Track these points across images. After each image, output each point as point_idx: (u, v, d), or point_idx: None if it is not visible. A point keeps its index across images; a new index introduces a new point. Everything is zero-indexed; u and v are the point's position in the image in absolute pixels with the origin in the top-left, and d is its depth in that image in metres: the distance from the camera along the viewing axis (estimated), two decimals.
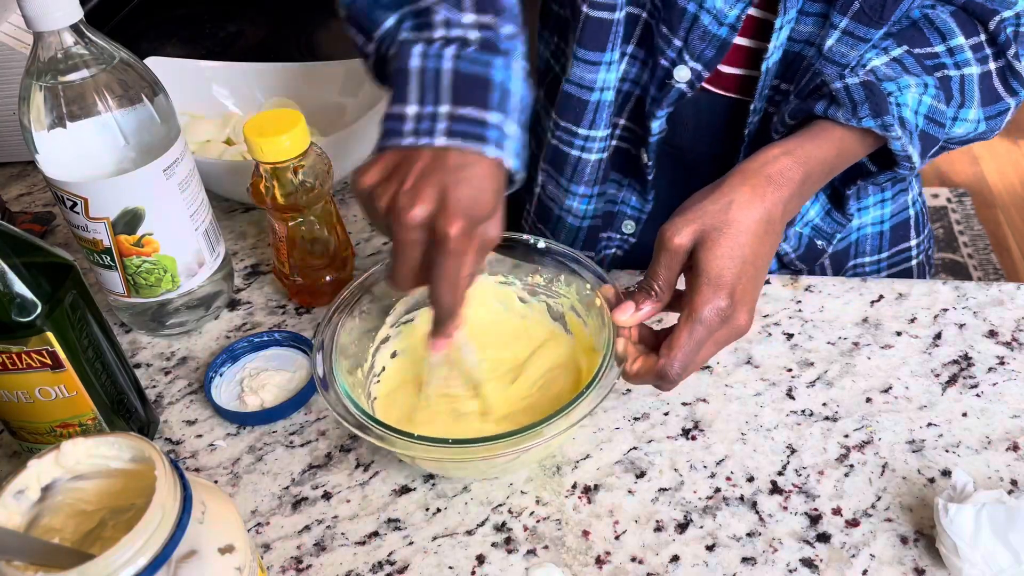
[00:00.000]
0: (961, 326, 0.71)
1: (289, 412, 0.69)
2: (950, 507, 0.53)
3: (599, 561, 0.57)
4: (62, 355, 0.57)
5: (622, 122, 0.76)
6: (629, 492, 0.61)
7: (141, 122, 0.66)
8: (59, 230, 0.92)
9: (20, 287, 0.55)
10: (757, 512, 0.60)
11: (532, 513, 0.60)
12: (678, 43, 0.67)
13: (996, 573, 0.52)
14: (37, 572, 0.40)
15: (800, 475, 0.61)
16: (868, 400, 0.66)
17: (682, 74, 0.68)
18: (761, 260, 0.57)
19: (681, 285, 0.59)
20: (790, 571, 0.56)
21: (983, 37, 0.65)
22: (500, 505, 0.61)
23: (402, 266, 0.54)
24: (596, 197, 0.79)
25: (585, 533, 0.59)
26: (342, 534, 0.60)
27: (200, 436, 0.68)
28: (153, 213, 0.69)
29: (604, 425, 0.66)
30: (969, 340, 0.70)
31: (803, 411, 0.66)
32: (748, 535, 0.58)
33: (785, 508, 0.60)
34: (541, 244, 0.66)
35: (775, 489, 0.61)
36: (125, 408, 0.64)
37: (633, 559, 0.57)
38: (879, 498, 0.60)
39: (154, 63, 0.93)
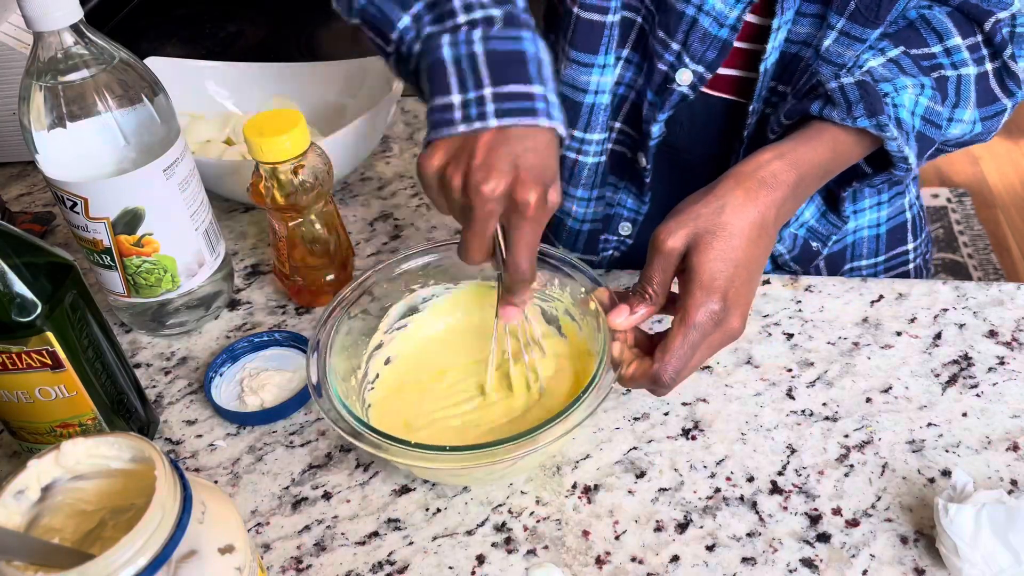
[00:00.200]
0: (961, 326, 0.71)
1: (289, 412, 0.69)
2: (950, 507, 0.53)
3: (599, 561, 0.57)
4: (62, 355, 0.57)
5: (618, 125, 0.76)
6: (629, 492, 0.61)
7: (141, 122, 0.66)
8: (59, 230, 0.92)
9: (20, 287, 0.55)
10: (757, 512, 0.60)
11: (532, 513, 0.60)
12: (676, 46, 0.67)
13: (996, 573, 0.52)
14: (37, 572, 0.40)
15: (800, 475, 0.61)
16: (868, 400, 0.66)
17: (684, 77, 0.68)
18: (755, 263, 0.57)
19: (676, 288, 0.59)
20: (790, 571, 0.56)
21: (979, 38, 0.65)
22: (500, 505, 0.61)
23: (478, 238, 0.56)
24: (595, 200, 0.79)
25: (585, 533, 0.59)
26: (342, 534, 0.60)
27: (200, 436, 0.68)
28: (153, 213, 0.69)
29: (604, 425, 0.66)
30: (969, 340, 0.70)
31: (803, 411, 0.66)
32: (748, 535, 0.58)
33: (785, 508, 0.60)
34: None
35: (775, 489, 0.61)
36: (125, 408, 0.64)
37: (633, 559, 0.57)
38: (879, 498, 0.60)
39: (154, 63, 0.93)
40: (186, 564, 0.42)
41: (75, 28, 0.62)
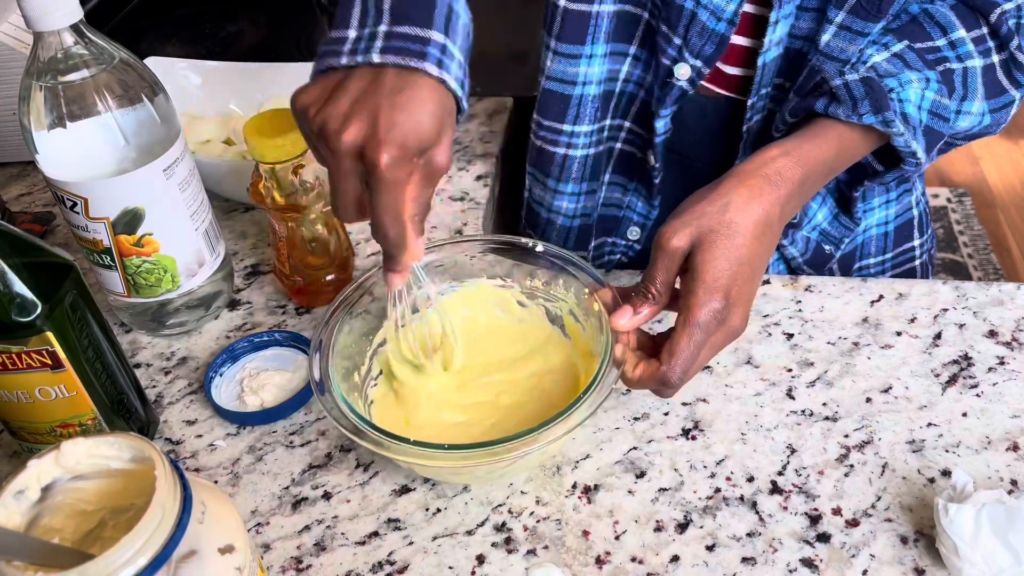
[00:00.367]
0: (961, 326, 0.71)
1: (289, 412, 0.69)
2: (950, 507, 0.53)
3: (599, 561, 0.57)
4: (62, 355, 0.57)
5: (627, 124, 0.75)
6: (629, 492, 0.61)
7: (141, 122, 0.66)
8: (59, 230, 0.92)
9: (20, 287, 0.55)
10: (757, 512, 0.59)
11: (532, 513, 0.60)
12: (678, 41, 0.67)
13: (996, 573, 0.52)
14: (37, 572, 0.40)
15: (800, 475, 0.61)
16: (868, 400, 0.66)
17: (682, 72, 0.68)
18: (758, 261, 0.57)
19: (678, 285, 0.59)
20: (790, 571, 0.56)
21: (985, 30, 0.64)
22: (500, 505, 0.61)
23: (341, 196, 0.52)
24: (585, 195, 0.78)
25: (585, 533, 0.59)
26: (342, 534, 0.60)
27: (200, 436, 0.68)
28: (153, 213, 0.69)
29: (604, 425, 0.66)
30: (969, 340, 0.70)
31: (803, 411, 0.66)
32: (748, 535, 0.58)
33: (785, 508, 0.60)
34: (539, 247, 0.66)
35: (775, 489, 0.61)
36: (125, 408, 0.64)
37: (633, 559, 0.57)
38: (879, 498, 0.60)
39: (154, 63, 0.93)
40: (186, 564, 0.42)
41: (75, 28, 0.62)
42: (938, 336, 0.71)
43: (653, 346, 0.59)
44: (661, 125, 0.71)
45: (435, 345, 0.65)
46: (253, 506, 0.62)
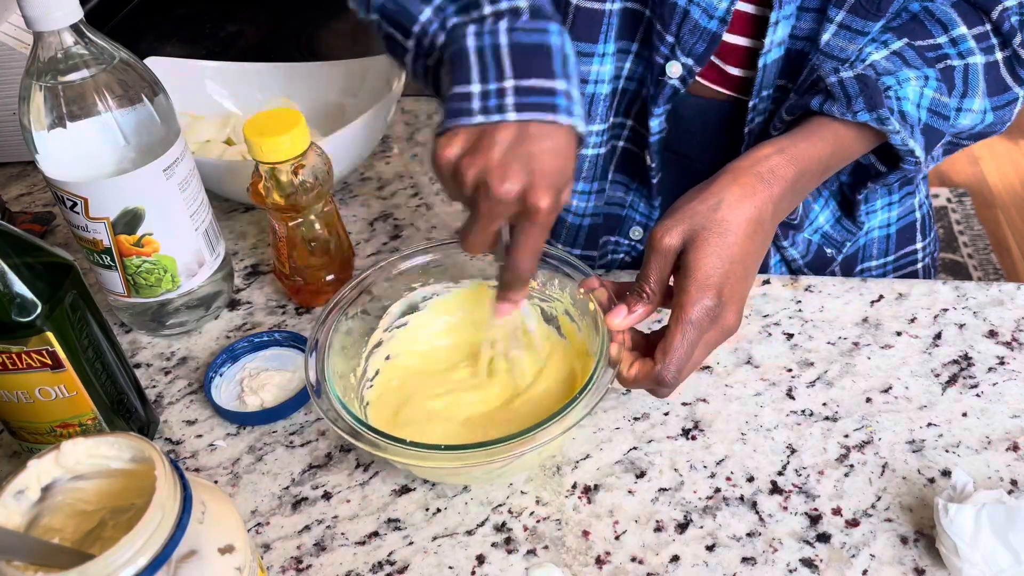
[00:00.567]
0: (961, 326, 0.71)
1: (289, 412, 0.69)
2: (950, 507, 0.53)
3: (599, 561, 0.57)
4: (62, 355, 0.57)
5: (629, 123, 0.75)
6: (629, 492, 0.61)
7: (141, 122, 0.66)
8: (59, 230, 0.92)
9: (20, 287, 0.55)
10: (757, 512, 0.60)
11: (532, 513, 0.60)
12: (670, 39, 0.67)
13: (996, 573, 0.52)
14: (37, 572, 0.40)
15: (800, 475, 0.61)
16: (868, 400, 0.66)
17: (673, 70, 0.68)
18: (751, 259, 0.57)
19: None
20: (790, 571, 0.56)
21: (987, 27, 0.64)
22: (500, 505, 0.61)
23: (482, 233, 0.56)
24: (595, 194, 0.78)
25: (585, 533, 0.59)
26: (342, 534, 0.60)
27: (200, 436, 0.68)
28: (153, 213, 0.69)
29: (604, 425, 0.66)
30: (969, 340, 0.70)
31: (803, 411, 0.66)
32: (748, 535, 0.58)
33: (785, 508, 0.60)
34: None
35: (775, 489, 0.61)
36: (125, 408, 0.64)
37: (633, 559, 0.57)
38: (879, 498, 0.60)
39: (154, 63, 0.93)
40: (186, 564, 0.42)
41: (75, 28, 0.62)
42: (938, 336, 0.71)
43: (648, 345, 0.59)
44: (655, 124, 0.71)
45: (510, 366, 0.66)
46: (253, 506, 0.62)
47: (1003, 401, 0.65)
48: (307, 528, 0.61)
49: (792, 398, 0.67)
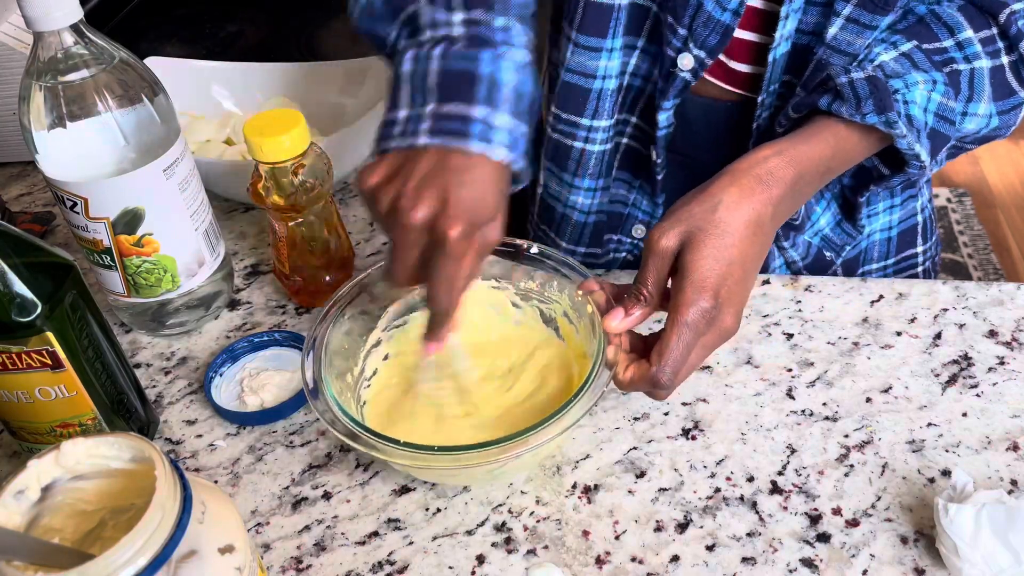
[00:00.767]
0: (961, 326, 0.71)
1: (289, 412, 0.69)
2: (950, 507, 0.53)
3: (599, 561, 0.57)
4: (62, 355, 0.57)
5: (633, 119, 0.75)
6: (629, 492, 0.61)
7: (141, 122, 0.66)
8: (59, 230, 0.92)
9: (20, 287, 0.55)
10: (757, 512, 0.60)
11: (532, 513, 0.60)
12: (683, 31, 0.67)
13: (996, 573, 0.52)
14: (37, 572, 0.40)
15: (800, 475, 0.61)
16: (868, 400, 0.66)
17: (685, 62, 0.68)
18: (750, 261, 0.57)
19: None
20: (790, 571, 0.56)
21: (994, 31, 0.64)
22: (500, 505, 0.61)
23: (400, 264, 0.55)
24: (601, 191, 0.78)
25: (585, 533, 0.59)
26: (342, 534, 0.60)
27: (200, 436, 0.68)
28: (153, 213, 0.69)
29: (604, 425, 0.66)
30: (969, 340, 0.70)
31: (803, 411, 0.66)
32: (748, 535, 0.58)
33: (785, 508, 0.60)
34: (534, 249, 0.66)
35: (775, 489, 0.61)
36: (125, 408, 0.64)
37: (633, 559, 0.57)
38: (879, 498, 0.60)
39: (154, 63, 0.93)
40: (186, 564, 0.42)
41: (75, 28, 0.62)
42: (938, 336, 0.71)
43: (646, 348, 0.59)
44: (664, 118, 0.71)
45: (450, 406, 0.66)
46: (253, 506, 0.62)
47: (1003, 401, 0.65)
48: (307, 528, 0.61)
49: (792, 398, 0.67)
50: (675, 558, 0.57)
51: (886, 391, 0.67)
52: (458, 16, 0.57)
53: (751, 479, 0.61)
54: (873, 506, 0.59)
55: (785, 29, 0.65)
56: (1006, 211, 2.42)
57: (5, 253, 0.54)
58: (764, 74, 0.68)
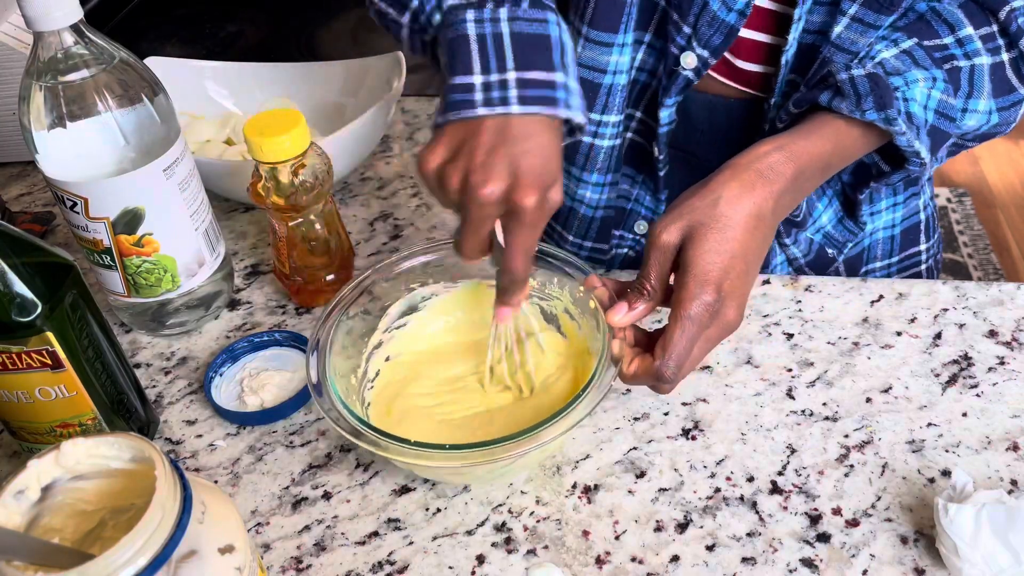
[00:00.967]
0: (961, 326, 0.71)
1: (289, 412, 0.69)
2: (950, 507, 0.53)
3: (599, 561, 0.57)
4: (62, 355, 0.57)
5: (638, 114, 0.75)
6: (629, 492, 0.61)
7: (141, 122, 0.66)
8: (59, 230, 0.92)
9: (20, 287, 0.55)
10: (757, 512, 0.60)
11: (532, 513, 0.60)
12: (687, 30, 0.67)
13: (996, 573, 0.52)
14: (37, 572, 0.40)
15: (800, 475, 0.61)
16: (868, 400, 0.66)
17: (688, 61, 0.68)
18: (752, 255, 0.57)
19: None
20: (790, 571, 0.56)
21: (994, 27, 0.64)
22: (500, 505, 0.61)
23: (473, 238, 0.56)
24: (609, 186, 0.78)
25: (585, 533, 0.59)
26: (342, 534, 0.60)
27: (200, 436, 0.68)
28: (153, 213, 0.69)
29: (604, 425, 0.66)
30: (969, 340, 0.70)
31: (803, 411, 0.66)
32: (748, 535, 0.58)
33: (785, 508, 0.60)
34: None
35: (775, 489, 0.61)
36: (125, 408, 0.64)
37: (633, 559, 0.57)
38: (879, 498, 0.60)
39: (154, 63, 0.93)
40: (186, 564, 0.42)
41: (75, 28, 0.62)
42: (938, 336, 0.71)
43: (650, 343, 0.59)
44: (666, 115, 0.71)
45: (515, 370, 0.66)
46: (253, 506, 0.62)
47: (1003, 401, 0.65)
48: (307, 528, 0.61)
49: (792, 398, 0.67)
50: (675, 558, 0.57)
51: (886, 391, 0.67)
52: None
53: (751, 479, 0.61)
54: (873, 506, 0.59)
55: (797, 31, 0.65)
56: (1006, 211, 2.42)
57: (5, 253, 0.54)
58: (771, 74, 0.68)
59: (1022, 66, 0.65)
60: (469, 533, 0.60)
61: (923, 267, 0.84)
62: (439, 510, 0.61)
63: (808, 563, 0.56)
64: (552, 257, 0.66)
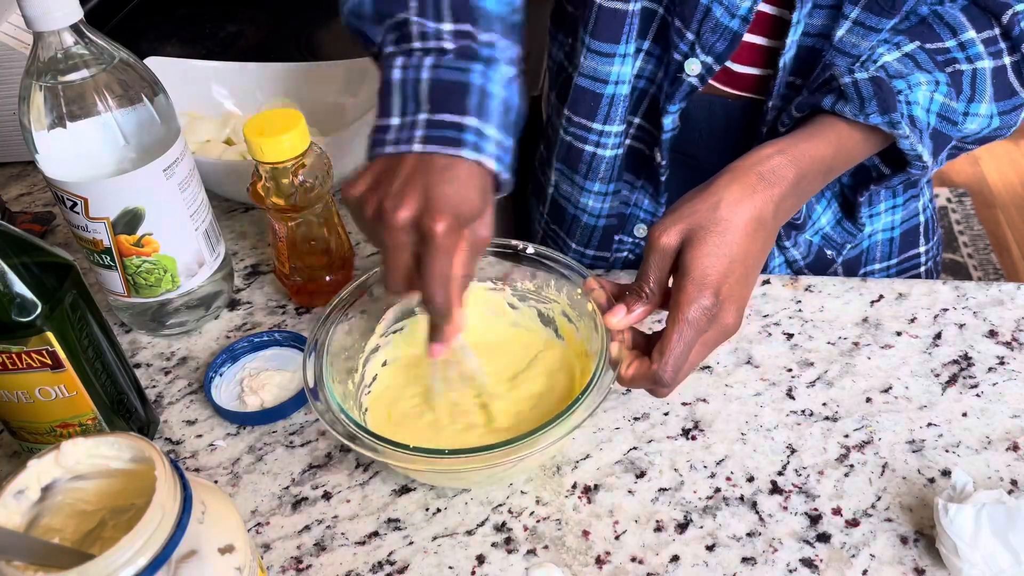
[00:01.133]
0: (961, 326, 0.71)
1: (289, 412, 0.69)
2: (950, 507, 0.53)
3: (599, 561, 0.57)
4: (62, 355, 0.57)
5: (637, 121, 0.75)
6: (629, 492, 0.61)
7: (141, 122, 0.66)
8: (59, 230, 0.92)
9: (20, 287, 0.55)
10: (757, 512, 0.60)
11: (532, 513, 0.60)
12: (691, 36, 0.67)
13: (996, 573, 0.52)
14: (37, 572, 0.40)
15: (800, 475, 0.61)
16: (868, 400, 0.66)
17: (693, 67, 0.68)
18: (751, 259, 0.56)
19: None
20: (790, 571, 0.56)
21: (997, 31, 0.64)
22: (500, 505, 0.61)
23: (393, 270, 0.55)
24: (611, 195, 0.78)
25: (585, 533, 0.59)
26: (342, 534, 0.60)
27: (200, 436, 0.68)
28: (153, 213, 0.69)
29: (604, 425, 0.66)
30: (969, 340, 0.70)
31: (803, 411, 0.66)
32: (748, 535, 0.58)
33: (785, 508, 0.60)
34: (530, 249, 0.66)
35: (775, 489, 0.61)
36: (125, 408, 0.64)
37: (633, 559, 0.57)
38: (879, 498, 0.60)
39: (154, 63, 0.93)
40: (186, 564, 0.42)
41: (75, 28, 0.62)
42: (938, 336, 0.71)
43: (648, 345, 0.59)
44: (669, 122, 0.71)
45: (467, 410, 0.65)
46: (253, 506, 0.62)
47: (1003, 401, 0.65)
48: (307, 528, 0.61)
49: (792, 398, 0.67)
50: (675, 558, 0.57)
51: (886, 391, 0.67)
52: (447, 27, 0.57)
53: (751, 479, 0.61)
54: (873, 506, 0.59)
55: (796, 35, 0.65)
56: (1006, 211, 2.42)
57: (5, 253, 0.54)
58: (770, 76, 0.68)
59: None
60: (469, 533, 0.60)
61: (922, 269, 0.84)
62: (439, 510, 0.61)
63: (808, 563, 0.56)
64: (549, 260, 0.65)
